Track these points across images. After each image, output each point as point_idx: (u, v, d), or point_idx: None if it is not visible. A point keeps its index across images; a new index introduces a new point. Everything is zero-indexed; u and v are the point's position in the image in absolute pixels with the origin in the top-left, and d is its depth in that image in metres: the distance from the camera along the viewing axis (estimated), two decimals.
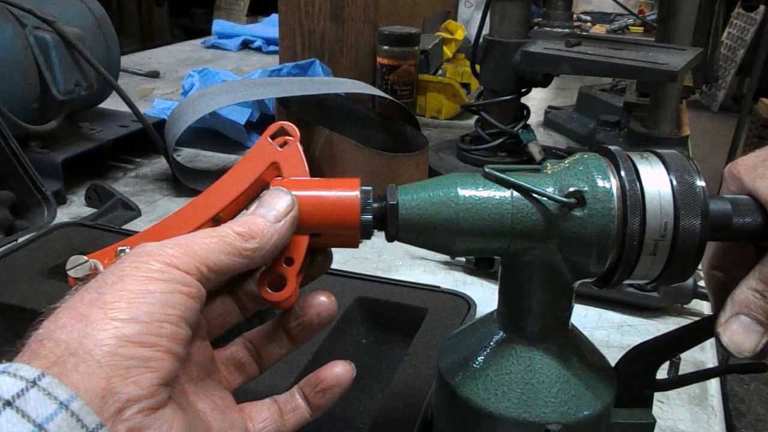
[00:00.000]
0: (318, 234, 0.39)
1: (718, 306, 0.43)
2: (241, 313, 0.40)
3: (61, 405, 0.26)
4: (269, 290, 0.38)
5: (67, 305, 0.31)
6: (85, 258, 0.38)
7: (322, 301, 0.40)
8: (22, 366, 0.27)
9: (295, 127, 0.41)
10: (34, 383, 0.27)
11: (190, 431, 0.32)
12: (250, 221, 0.36)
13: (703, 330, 0.44)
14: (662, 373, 0.46)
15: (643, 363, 0.46)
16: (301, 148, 0.41)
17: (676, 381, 0.47)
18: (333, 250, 0.42)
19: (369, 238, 0.39)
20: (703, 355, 0.66)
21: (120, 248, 0.38)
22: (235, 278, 0.40)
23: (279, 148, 0.41)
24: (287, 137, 0.41)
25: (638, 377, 0.46)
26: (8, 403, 0.26)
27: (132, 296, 0.30)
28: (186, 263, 0.32)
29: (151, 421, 0.29)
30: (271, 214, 0.36)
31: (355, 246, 0.40)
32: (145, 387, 0.29)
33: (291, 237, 0.37)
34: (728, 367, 0.47)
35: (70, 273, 0.37)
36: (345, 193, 0.38)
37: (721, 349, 0.40)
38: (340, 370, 0.40)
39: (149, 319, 0.30)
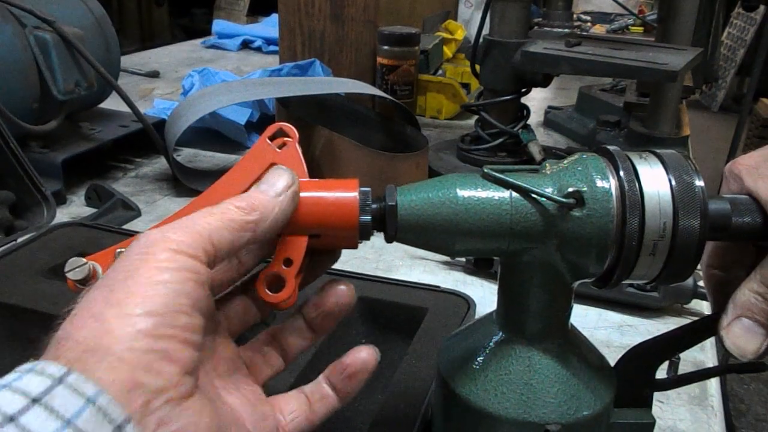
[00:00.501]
0: (317, 235, 0.39)
1: (718, 305, 0.43)
2: (259, 312, 0.41)
3: (89, 400, 0.27)
4: (268, 291, 0.38)
5: (81, 306, 0.31)
6: (84, 260, 0.37)
7: (341, 289, 0.40)
8: (49, 364, 0.28)
9: (293, 128, 0.41)
10: (60, 380, 0.27)
11: (219, 421, 0.32)
12: (250, 196, 0.36)
13: (702, 330, 0.44)
14: (661, 373, 0.46)
15: (643, 363, 0.46)
16: (299, 149, 0.41)
17: (676, 381, 0.47)
18: None
19: (368, 239, 0.39)
20: (703, 354, 0.66)
21: (119, 250, 0.38)
22: (251, 278, 0.40)
23: (278, 149, 0.41)
24: (286, 138, 0.41)
25: (638, 377, 0.46)
26: (36, 400, 0.26)
27: (144, 289, 0.30)
28: (191, 246, 0.32)
29: (179, 411, 0.29)
30: (272, 189, 0.36)
31: (355, 247, 0.40)
32: (169, 377, 0.29)
33: (292, 212, 0.37)
34: (728, 367, 0.47)
35: (69, 275, 0.37)
36: (344, 194, 0.38)
37: (722, 349, 0.40)
38: (365, 355, 0.41)
39: (164, 311, 0.30)
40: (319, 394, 0.40)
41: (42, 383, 0.27)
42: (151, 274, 0.31)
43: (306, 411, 0.40)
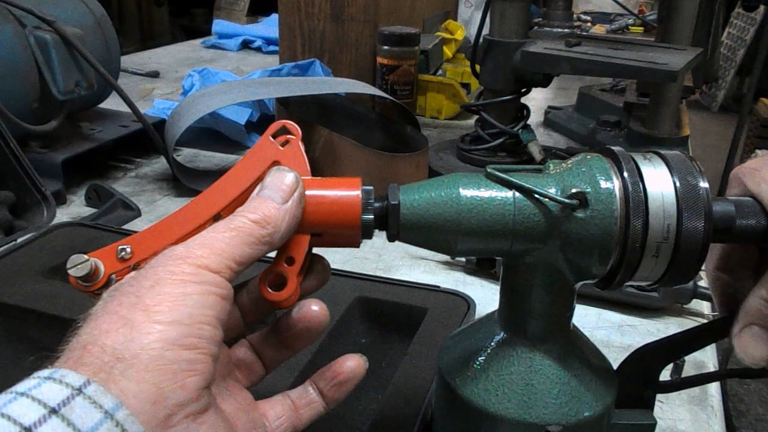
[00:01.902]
0: (319, 233, 0.39)
1: (723, 308, 0.43)
2: (243, 320, 0.41)
3: (107, 414, 0.26)
4: (270, 290, 0.38)
5: (106, 309, 0.31)
6: (86, 257, 0.37)
7: (313, 311, 0.40)
8: (68, 372, 0.28)
9: (296, 125, 0.41)
10: (79, 391, 0.27)
11: None
12: (261, 207, 0.36)
13: (707, 334, 0.44)
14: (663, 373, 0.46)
15: (647, 364, 0.46)
16: (302, 147, 0.41)
17: (679, 383, 0.47)
18: (333, 249, 0.42)
19: (370, 237, 0.39)
20: (704, 355, 0.66)
21: (120, 247, 0.38)
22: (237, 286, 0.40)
23: (280, 147, 0.41)
24: (289, 136, 0.41)
25: (641, 378, 0.46)
26: (54, 411, 0.26)
27: (171, 299, 0.30)
28: (216, 263, 0.33)
29: (197, 426, 0.30)
30: (278, 196, 0.36)
31: (356, 246, 0.40)
32: (191, 391, 0.29)
33: (302, 213, 0.37)
34: (730, 372, 0.47)
35: (71, 272, 0.37)
36: (346, 192, 0.38)
37: (722, 351, 0.40)
38: (353, 364, 0.41)
39: (190, 321, 0.30)
40: (305, 400, 0.41)
41: (60, 393, 0.26)
42: (177, 285, 0.31)
43: (292, 417, 0.40)
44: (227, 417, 0.35)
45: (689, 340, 0.45)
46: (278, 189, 0.37)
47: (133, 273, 0.35)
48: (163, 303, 0.30)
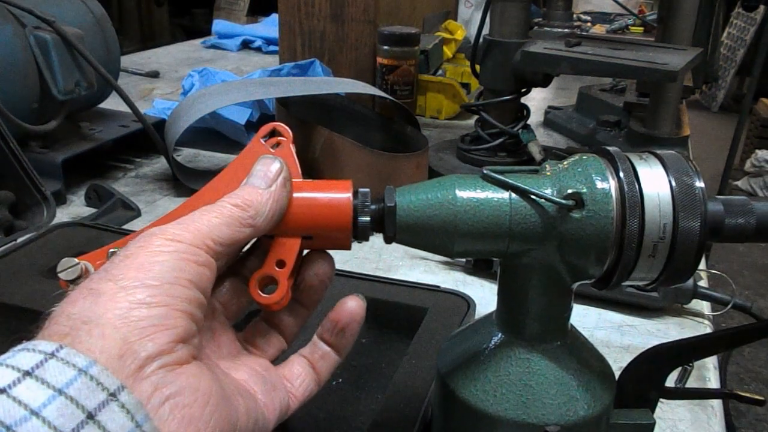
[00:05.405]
0: (310, 236, 0.39)
1: None
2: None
3: (80, 371, 0.27)
4: (261, 293, 0.37)
5: (77, 287, 0.31)
6: (77, 260, 0.37)
7: (321, 264, 0.40)
8: (40, 342, 0.28)
9: (287, 128, 0.41)
10: (52, 355, 0.27)
11: (221, 387, 0.32)
12: (242, 192, 0.36)
13: (720, 341, 0.45)
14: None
15: (658, 364, 0.46)
16: (293, 150, 0.41)
17: (683, 392, 0.47)
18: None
19: (367, 239, 0.39)
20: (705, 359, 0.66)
21: (112, 250, 0.38)
22: (238, 259, 0.40)
23: (271, 149, 0.41)
24: (280, 138, 0.41)
25: (648, 379, 0.46)
26: (27, 373, 0.26)
27: (140, 267, 0.31)
28: (190, 239, 0.33)
29: (174, 376, 0.29)
30: (261, 182, 0.37)
31: (348, 248, 0.40)
32: (162, 344, 0.29)
33: (287, 198, 0.37)
34: (731, 394, 0.47)
35: (62, 275, 0.37)
36: (337, 195, 0.38)
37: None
38: (353, 305, 0.40)
39: (159, 282, 0.30)
40: (318, 354, 0.41)
41: (34, 358, 0.27)
42: (148, 256, 0.31)
43: (311, 373, 0.40)
44: (240, 382, 0.35)
45: (702, 345, 0.45)
46: (262, 175, 0.37)
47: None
48: (130, 271, 0.30)
